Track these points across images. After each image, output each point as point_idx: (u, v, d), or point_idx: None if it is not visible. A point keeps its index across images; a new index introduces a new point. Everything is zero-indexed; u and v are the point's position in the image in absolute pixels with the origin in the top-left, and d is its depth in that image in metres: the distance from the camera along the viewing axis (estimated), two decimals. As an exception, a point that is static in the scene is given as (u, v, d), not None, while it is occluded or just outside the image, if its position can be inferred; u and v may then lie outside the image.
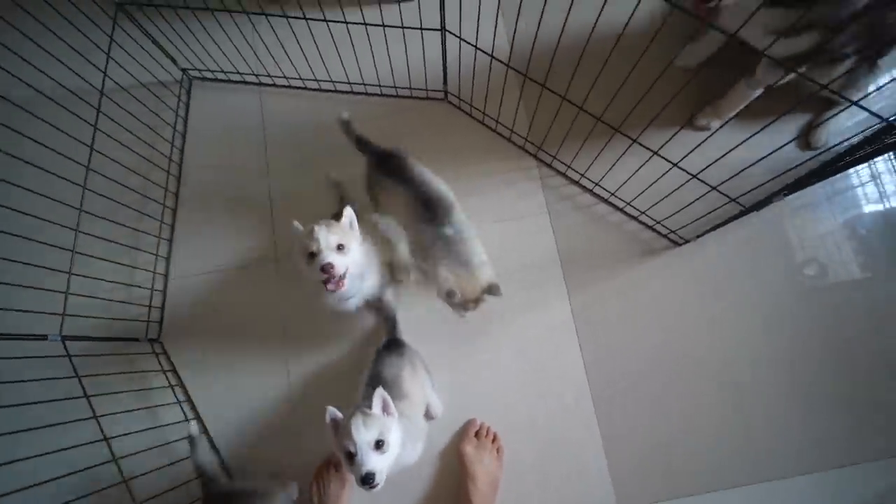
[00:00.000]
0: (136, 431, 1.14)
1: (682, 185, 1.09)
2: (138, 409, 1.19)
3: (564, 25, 0.93)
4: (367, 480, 0.77)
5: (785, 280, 1.29)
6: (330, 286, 0.95)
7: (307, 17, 1.15)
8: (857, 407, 1.22)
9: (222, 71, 1.44)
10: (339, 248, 0.94)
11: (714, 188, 1.03)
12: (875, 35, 1.03)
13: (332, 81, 1.42)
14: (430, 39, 1.20)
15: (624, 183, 1.22)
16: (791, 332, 1.26)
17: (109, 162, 1.20)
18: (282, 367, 1.28)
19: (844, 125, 1.35)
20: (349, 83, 1.41)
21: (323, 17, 1.14)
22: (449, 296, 0.92)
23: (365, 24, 1.15)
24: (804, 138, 1.35)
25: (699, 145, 0.99)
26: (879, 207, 1.34)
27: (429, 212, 1.03)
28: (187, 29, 1.31)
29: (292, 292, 1.32)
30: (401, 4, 1.43)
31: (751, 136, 0.93)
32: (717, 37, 1.31)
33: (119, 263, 1.28)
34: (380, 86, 1.41)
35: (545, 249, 1.33)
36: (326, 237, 0.93)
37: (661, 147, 1.05)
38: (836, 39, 0.99)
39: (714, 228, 1.19)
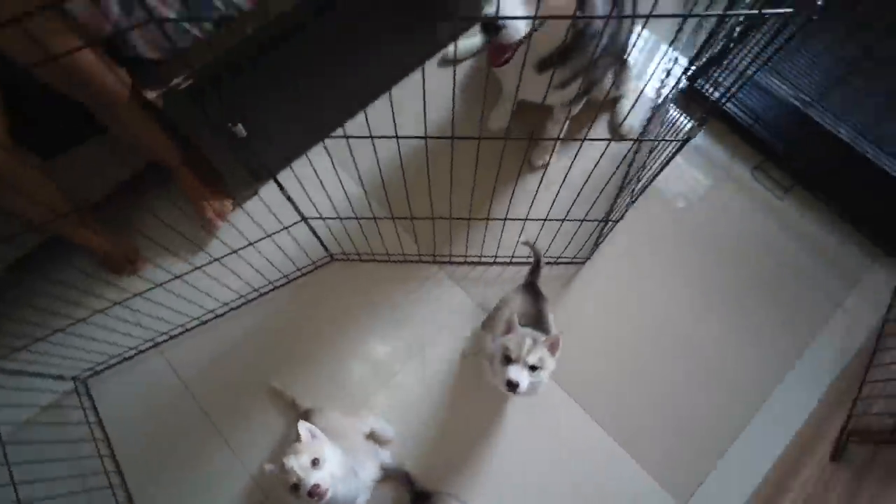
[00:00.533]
0: None
1: (559, 228, 1.25)
2: None
3: (402, 163, 1.06)
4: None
5: (678, 232, 1.51)
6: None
7: (178, 275, 1.17)
8: (779, 301, 1.44)
9: (112, 356, 1.39)
10: (315, 463, 0.92)
11: (583, 220, 1.20)
12: (614, 57, 1.31)
13: (224, 304, 1.43)
14: (297, 227, 1.28)
15: (516, 245, 1.38)
16: (697, 268, 1.47)
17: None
18: None
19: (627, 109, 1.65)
20: (241, 296, 1.43)
21: (193, 267, 1.18)
22: (510, 327, 1.01)
23: (235, 251, 1.20)
24: (615, 133, 1.63)
25: (557, 195, 1.16)
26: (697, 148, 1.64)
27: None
28: (60, 344, 1.26)
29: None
30: (247, 210, 1.50)
31: (580, 191, 1.11)
32: (510, 97, 1.55)
33: None
34: (270, 282, 1.45)
35: (490, 331, 1.42)
36: (298, 463, 0.91)
37: (529, 211, 1.20)
38: (595, 74, 1.24)
39: (600, 241, 1.38)
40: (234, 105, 1.25)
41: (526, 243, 1.31)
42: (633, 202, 1.17)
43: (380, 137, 0.87)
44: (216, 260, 1.19)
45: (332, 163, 1.08)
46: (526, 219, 1.19)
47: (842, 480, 1.08)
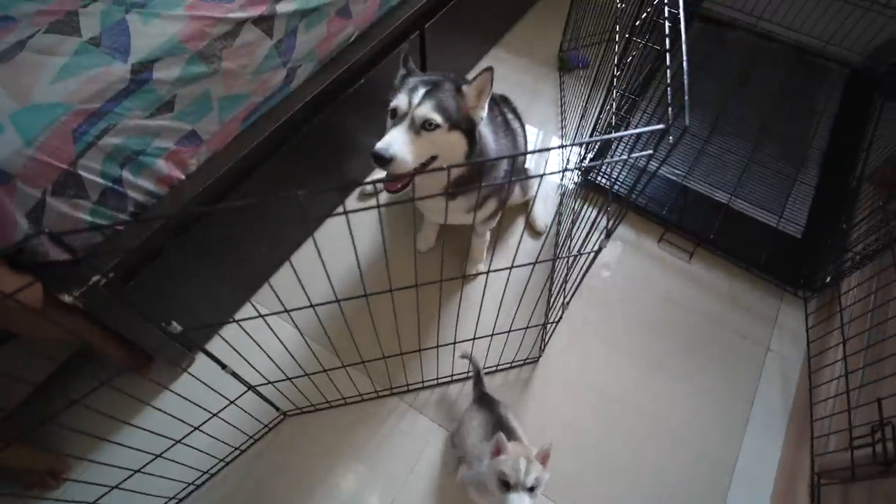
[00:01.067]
0: None
1: (507, 338, 1.29)
2: None
3: (341, 308, 1.07)
4: None
5: (611, 312, 1.61)
6: None
7: (116, 486, 1.05)
8: (715, 356, 1.55)
9: None
10: None
11: (526, 327, 1.26)
12: (517, 171, 1.46)
13: (172, 498, 1.27)
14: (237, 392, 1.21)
15: (469, 358, 1.39)
16: (639, 343, 1.56)
17: None
18: None
19: (543, 210, 1.81)
20: (189, 483, 1.29)
21: (131, 472, 1.06)
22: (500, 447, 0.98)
23: (178, 441, 1.10)
24: (530, 231, 1.77)
25: (500, 309, 1.21)
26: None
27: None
28: None
29: None
30: (179, 388, 1.41)
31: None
32: (432, 221, 1.65)
33: None
34: (220, 460, 1.33)
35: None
36: None
37: (476, 328, 1.23)
38: (503, 193, 1.37)
39: (546, 341, 1.43)
40: (159, 296, 1.22)
41: (463, 356, 1.35)
42: (568, 304, 1.25)
43: (320, 305, 0.88)
44: (159, 456, 1.09)
45: (267, 322, 1.07)
46: (474, 338, 1.22)
47: (827, 526, 1.11)
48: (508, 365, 1.48)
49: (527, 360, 1.49)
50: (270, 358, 1.15)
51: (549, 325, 1.36)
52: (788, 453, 1.35)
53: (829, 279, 1.54)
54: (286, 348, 1.14)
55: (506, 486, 0.95)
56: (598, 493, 1.33)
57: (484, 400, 1.26)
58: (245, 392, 1.17)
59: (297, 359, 1.22)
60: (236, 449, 1.35)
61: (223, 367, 1.06)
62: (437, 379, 1.45)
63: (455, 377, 1.46)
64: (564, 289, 1.27)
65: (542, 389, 1.48)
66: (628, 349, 1.55)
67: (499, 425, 1.15)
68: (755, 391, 1.49)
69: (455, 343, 1.23)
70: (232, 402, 1.15)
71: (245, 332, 1.03)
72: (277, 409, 1.37)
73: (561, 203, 1.83)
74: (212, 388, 1.12)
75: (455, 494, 1.32)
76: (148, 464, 1.09)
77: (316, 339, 1.48)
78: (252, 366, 1.15)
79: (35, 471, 1.30)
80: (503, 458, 0.98)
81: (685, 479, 1.35)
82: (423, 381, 1.45)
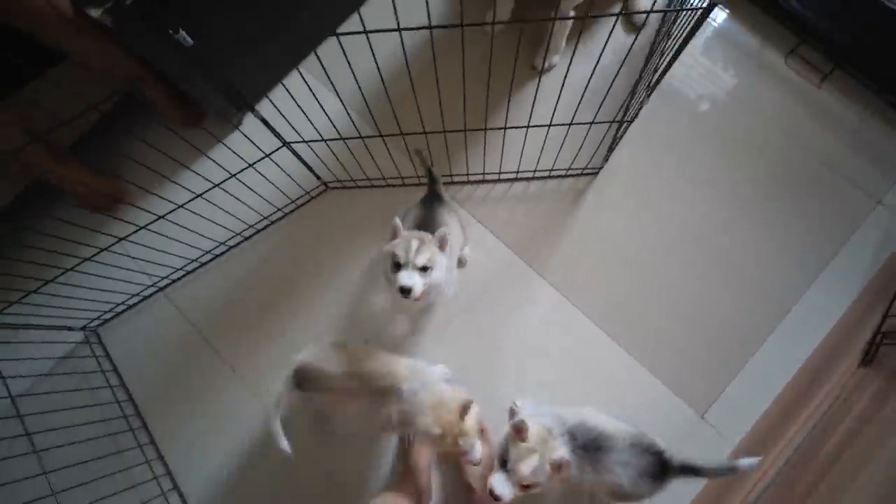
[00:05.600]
0: None
1: (566, 135, 1.13)
2: None
3: (382, 78, 0.94)
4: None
5: (699, 134, 1.38)
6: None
7: (162, 215, 1.10)
8: (811, 201, 1.32)
9: (117, 304, 1.37)
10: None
11: (592, 122, 1.08)
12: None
13: (222, 244, 1.37)
14: (281, 156, 1.19)
15: (521, 158, 1.26)
16: (721, 171, 1.35)
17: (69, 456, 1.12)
18: None
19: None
20: (237, 234, 1.37)
21: (178, 205, 1.11)
22: (395, 232, 0.99)
23: (216, 185, 1.12)
24: (627, 22, 1.44)
25: (560, 95, 1.03)
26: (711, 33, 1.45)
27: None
28: (57, 295, 1.23)
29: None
30: (231, 145, 1.40)
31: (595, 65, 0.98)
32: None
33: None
34: (265, 217, 1.38)
35: (498, 253, 1.35)
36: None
37: (530, 117, 1.08)
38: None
39: (614, 146, 1.25)
40: (184, 16, 1.11)
41: (418, 152, 1.18)
42: (650, 94, 1.03)
43: (378, 32, 0.75)
44: (198, 196, 1.12)
45: (308, 86, 0.97)
46: (528, 126, 1.07)
47: (872, 384, 1.02)
48: (564, 172, 1.35)
49: (585, 170, 1.34)
50: (310, 121, 1.08)
51: (621, 126, 1.16)
52: (855, 311, 1.22)
53: None
54: (327, 116, 1.07)
55: (397, 266, 0.95)
56: (631, 312, 1.29)
57: (431, 199, 1.18)
58: (279, 148, 1.13)
59: (337, 126, 1.14)
60: (279, 210, 1.38)
61: (253, 110, 1.00)
62: (484, 174, 1.35)
63: (503, 175, 1.36)
64: (649, 82, 1.05)
65: (596, 203, 1.36)
66: (707, 176, 1.35)
67: (427, 222, 1.09)
68: (844, 244, 1.29)
69: (505, 128, 1.09)
70: (267, 156, 1.13)
71: (285, 88, 0.95)
72: (318, 177, 1.36)
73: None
74: (253, 143, 1.10)
75: (481, 285, 1.33)
76: (190, 201, 1.12)
77: (360, 113, 1.38)
78: (290, 124, 1.10)
79: (99, 193, 1.41)
80: (396, 241, 0.97)
81: (728, 315, 1.27)
82: (468, 175, 1.36)
